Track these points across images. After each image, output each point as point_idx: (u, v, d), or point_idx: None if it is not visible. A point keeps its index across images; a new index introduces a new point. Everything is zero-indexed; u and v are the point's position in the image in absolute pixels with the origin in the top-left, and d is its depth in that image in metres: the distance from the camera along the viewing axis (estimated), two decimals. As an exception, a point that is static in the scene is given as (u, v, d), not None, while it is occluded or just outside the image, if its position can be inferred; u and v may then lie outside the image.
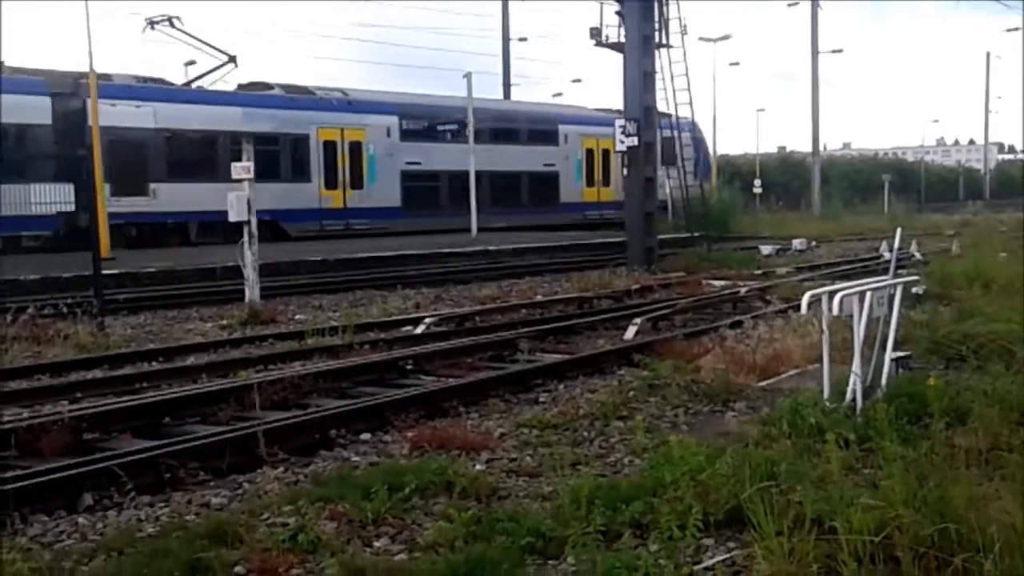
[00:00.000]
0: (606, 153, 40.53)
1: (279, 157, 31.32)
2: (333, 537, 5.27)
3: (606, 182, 41.67)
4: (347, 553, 5.06)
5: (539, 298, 17.78)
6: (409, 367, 10.59)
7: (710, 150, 46.61)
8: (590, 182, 41.62)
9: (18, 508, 5.88)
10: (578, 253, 28.04)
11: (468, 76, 34.02)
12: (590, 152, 41.45)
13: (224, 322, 15.06)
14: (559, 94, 52.25)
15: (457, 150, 34.59)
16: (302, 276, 21.10)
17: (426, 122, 36.40)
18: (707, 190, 42.09)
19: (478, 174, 34.34)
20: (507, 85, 49.02)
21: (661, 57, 25.17)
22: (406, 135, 35.15)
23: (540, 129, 39.83)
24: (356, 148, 33.55)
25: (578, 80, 67.33)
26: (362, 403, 8.65)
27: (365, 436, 7.94)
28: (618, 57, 24.76)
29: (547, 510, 5.59)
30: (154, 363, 11.65)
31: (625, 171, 24.98)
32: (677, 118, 27.37)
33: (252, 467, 6.97)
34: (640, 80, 23.89)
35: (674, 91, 25.93)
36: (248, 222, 15.53)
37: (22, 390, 9.87)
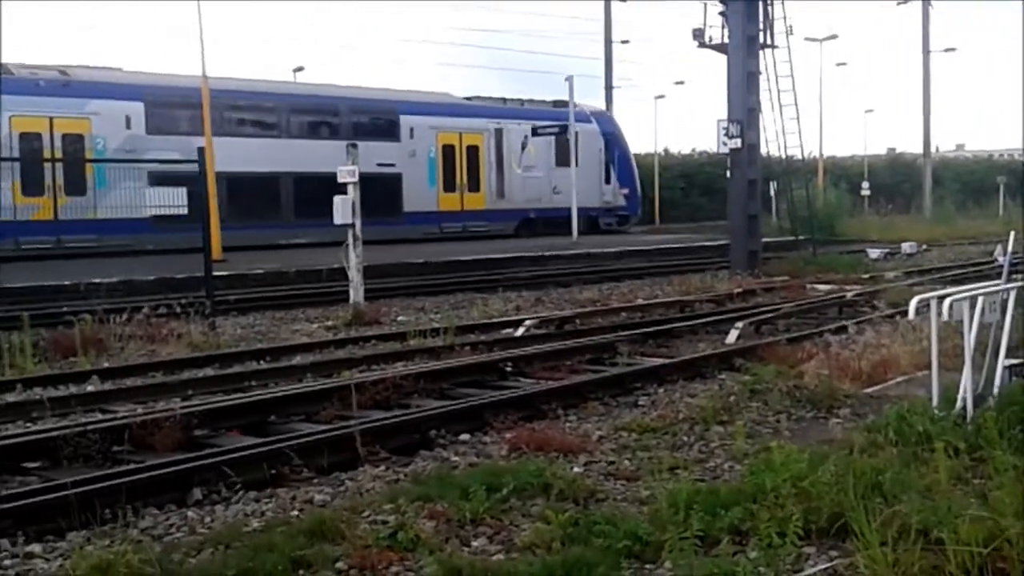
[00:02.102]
0: (473, 151, 33.79)
1: None
2: (432, 536, 5.33)
3: (473, 187, 34.01)
4: (445, 552, 5.12)
5: (639, 301, 17.68)
6: (508, 369, 10.63)
7: (630, 148, 39.93)
8: (449, 187, 33.31)
9: (130, 501, 6.07)
10: (680, 256, 27.80)
11: (570, 80, 33.98)
12: (449, 150, 33.24)
13: (329, 323, 15.36)
14: (661, 96, 51.84)
15: (238, 146, 27.71)
16: (405, 278, 21.36)
17: (189, 111, 27.68)
18: (620, 193, 37.22)
19: (272, 177, 28.40)
20: (609, 88, 48.84)
21: (765, 58, 24.79)
22: (157, 127, 27.36)
23: (371, 120, 31.79)
24: (75, 143, 25.96)
25: (680, 82, 66.68)
26: (462, 404, 8.73)
27: (464, 437, 8.01)
28: (722, 58, 24.47)
29: (645, 514, 5.57)
30: (262, 362, 11.94)
31: (728, 173, 24.66)
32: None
33: (354, 465, 7.10)
34: (744, 81, 23.56)
35: (778, 92, 25.49)
36: (353, 225, 15.82)
37: (137, 387, 10.22)
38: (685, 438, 7.73)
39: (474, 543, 5.37)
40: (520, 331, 13.83)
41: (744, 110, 23.55)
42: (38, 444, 7.37)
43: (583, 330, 13.96)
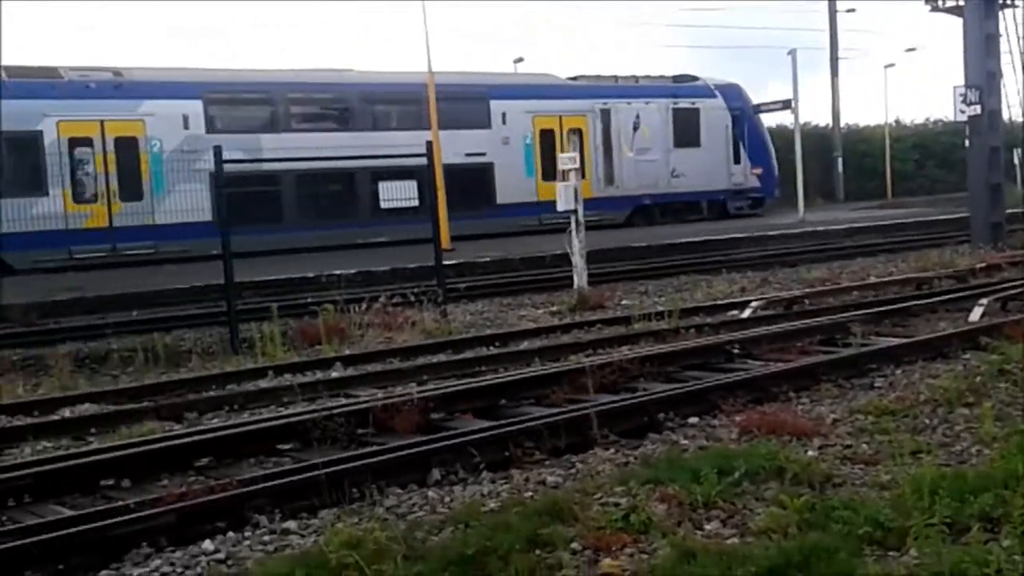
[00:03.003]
0: (576, 135, 30.12)
1: None
2: (664, 519, 5.35)
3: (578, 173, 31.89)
4: (678, 535, 5.12)
5: (872, 279, 17.02)
6: (736, 351, 10.47)
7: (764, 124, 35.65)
8: (549, 175, 28.58)
9: (375, 481, 6.38)
10: (915, 231, 26.49)
11: (792, 53, 32.94)
12: (547, 135, 30.04)
13: (554, 308, 15.59)
14: (891, 64, 49.28)
15: (309, 141, 25.44)
16: (627, 262, 21.37)
17: (254, 106, 27.16)
18: (752, 173, 33.86)
19: (348, 173, 25.89)
20: (834, 60, 46.92)
21: (1005, 18, 23.21)
22: (218, 125, 25.80)
23: (456, 107, 28.20)
24: (129, 146, 24.64)
25: (912, 49, 63.05)
26: (689, 387, 8.68)
27: (693, 420, 7.95)
28: (957, 22, 23.09)
29: (886, 499, 5.39)
30: (491, 348, 12.27)
31: (966, 141, 23.27)
32: None
33: (584, 448, 7.20)
34: (982, 44, 22.14)
35: (1020, 54, 23.81)
36: (575, 211, 15.99)
37: (376, 372, 10.74)
38: (927, 421, 7.41)
39: (707, 526, 5.35)
40: (746, 312, 13.59)
41: (983, 74, 22.16)
42: (289, 427, 7.84)
43: (813, 310, 13.56)
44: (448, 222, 24.83)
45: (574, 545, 5.10)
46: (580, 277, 16.16)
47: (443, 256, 15.65)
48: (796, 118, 32.76)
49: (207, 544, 5.58)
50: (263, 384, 10.50)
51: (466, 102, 28.65)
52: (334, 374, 10.86)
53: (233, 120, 26.60)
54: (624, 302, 15.93)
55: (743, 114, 34.24)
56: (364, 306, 13.73)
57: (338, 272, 17.98)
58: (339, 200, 27.64)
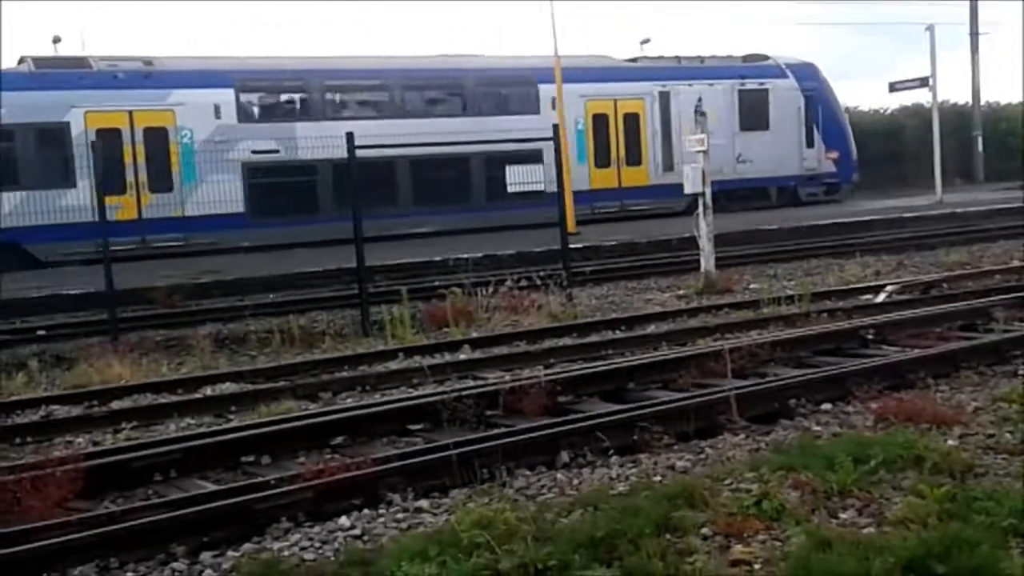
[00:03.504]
0: (632, 120, 29.30)
1: (16, 156, 22.83)
2: (797, 506, 5.27)
3: (633, 160, 29.41)
4: (812, 523, 5.04)
5: (1016, 263, 16.33)
6: (870, 336, 10.21)
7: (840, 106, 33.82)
8: (602, 162, 28.80)
9: (505, 462, 6.46)
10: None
11: (930, 29, 31.72)
12: (601, 120, 28.90)
13: (680, 292, 15.47)
14: (1036, 37, 47.00)
15: (345, 130, 22.87)
16: (756, 245, 21.03)
17: (288, 95, 26.49)
18: (827, 158, 31.97)
19: (388, 162, 24.50)
20: (974, 34, 45.07)
21: None
22: (251, 114, 25.49)
23: (504, 93, 27.34)
24: (158, 137, 24.18)
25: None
26: (822, 372, 8.50)
27: (826, 406, 7.79)
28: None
29: (1032, 491, 5.20)
30: (617, 331, 12.25)
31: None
32: None
33: (712, 433, 7.13)
34: None
35: None
36: (703, 193, 15.80)
37: (504, 355, 10.84)
38: (1076, 411, 7.10)
39: (842, 515, 5.24)
40: (881, 297, 13.25)
41: None
42: (420, 408, 7.98)
43: (951, 295, 13.12)
44: (486, 213, 24.74)
45: (705, 531, 5.07)
46: (707, 260, 15.98)
47: (568, 240, 15.67)
48: (934, 96, 31.48)
49: (343, 520, 5.74)
50: (393, 366, 10.72)
51: (513, 87, 27.42)
52: (462, 356, 11.01)
53: (267, 109, 26.13)
54: (752, 286, 15.70)
55: (817, 95, 32.44)
56: (491, 289, 13.86)
57: (465, 256, 18.20)
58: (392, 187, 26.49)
